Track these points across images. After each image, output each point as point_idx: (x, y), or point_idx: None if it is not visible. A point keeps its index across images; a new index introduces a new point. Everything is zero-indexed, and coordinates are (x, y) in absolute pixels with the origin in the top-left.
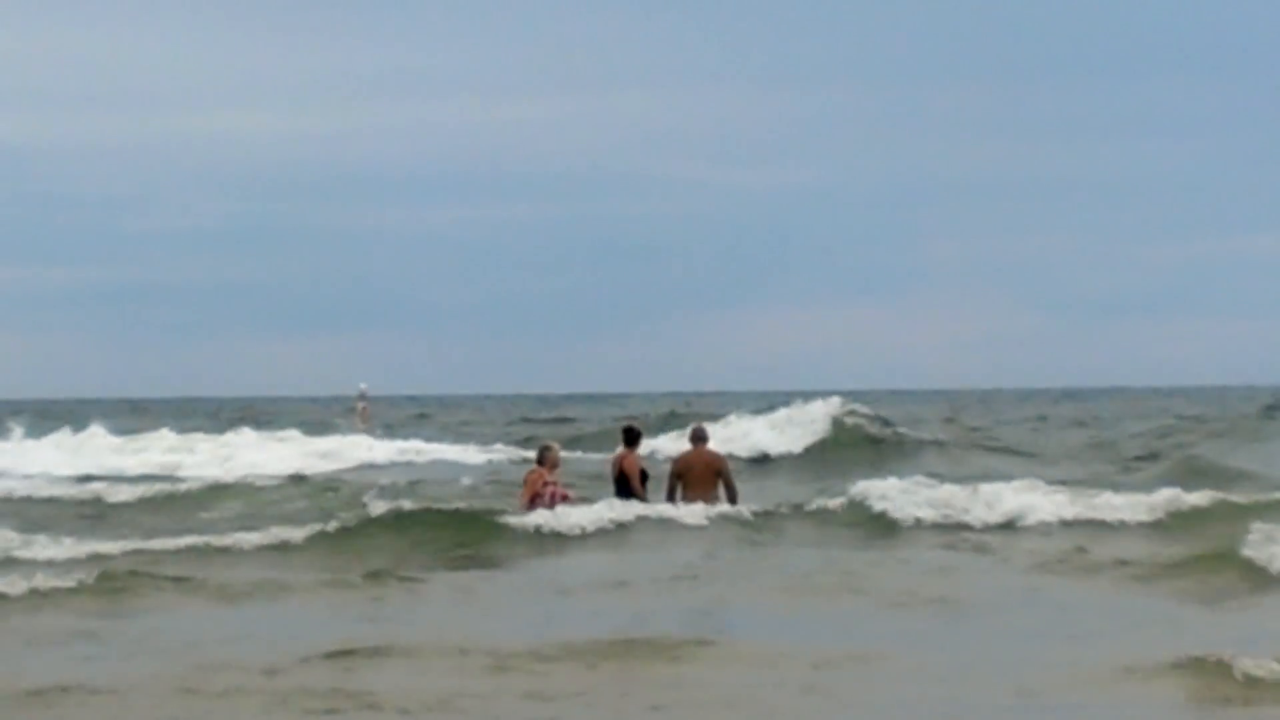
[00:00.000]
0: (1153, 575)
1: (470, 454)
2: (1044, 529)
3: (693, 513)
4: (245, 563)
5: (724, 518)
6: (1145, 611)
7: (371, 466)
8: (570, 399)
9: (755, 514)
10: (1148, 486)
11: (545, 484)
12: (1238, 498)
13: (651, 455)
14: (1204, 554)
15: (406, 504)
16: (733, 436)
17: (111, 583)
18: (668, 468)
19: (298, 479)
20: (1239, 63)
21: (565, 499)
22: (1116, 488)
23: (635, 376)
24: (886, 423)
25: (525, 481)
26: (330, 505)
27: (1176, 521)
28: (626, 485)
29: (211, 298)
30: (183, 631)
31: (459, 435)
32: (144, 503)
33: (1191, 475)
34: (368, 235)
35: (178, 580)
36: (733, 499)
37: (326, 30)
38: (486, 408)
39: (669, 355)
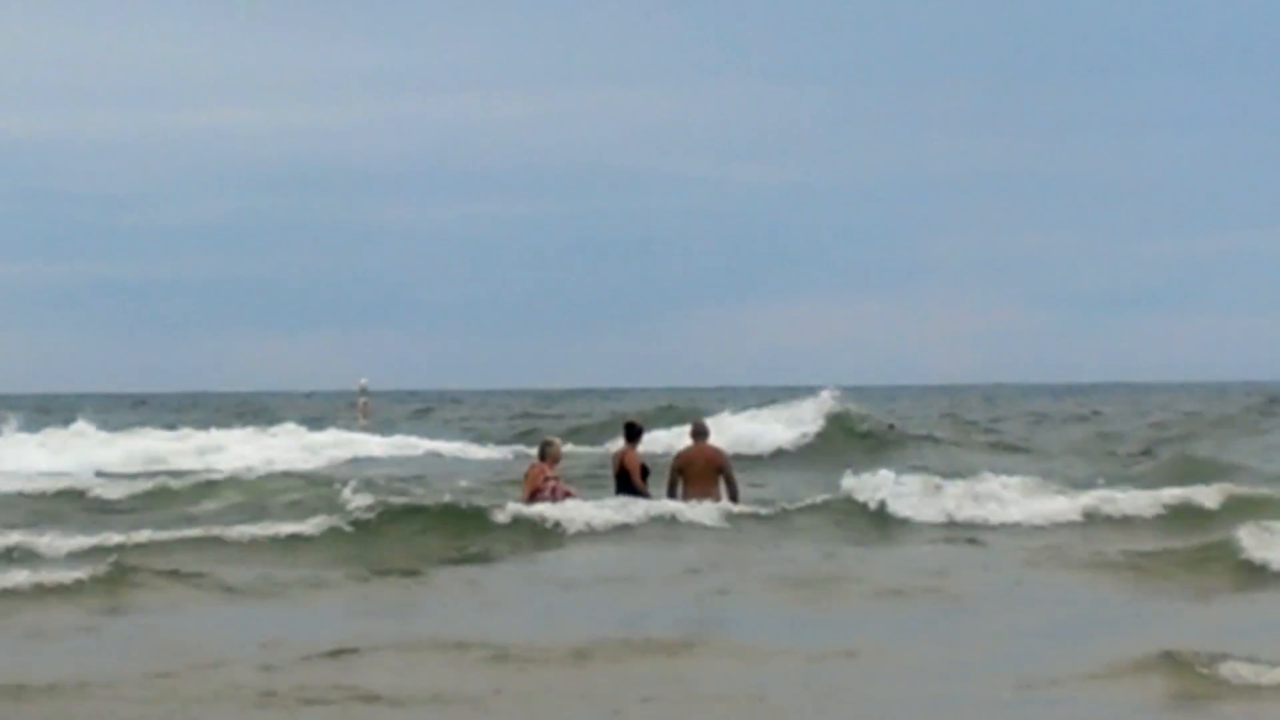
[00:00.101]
0: (1149, 570)
1: (471, 449)
2: (1040, 524)
3: (692, 509)
4: (241, 559)
5: (723, 514)
6: (1141, 607)
7: (370, 461)
8: (571, 394)
9: (750, 509)
10: (1146, 482)
11: (546, 479)
12: (1236, 493)
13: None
14: (1201, 549)
15: (400, 499)
16: (722, 430)
17: (106, 582)
18: (667, 462)
19: (289, 474)
20: (1239, 60)
21: (568, 496)
22: (1115, 483)
23: (636, 372)
24: (881, 418)
25: (526, 476)
26: (325, 501)
27: (1174, 517)
28: (627, 481)
29: (212, 293)
30: (180, 628)
31: (460, 430)
32: (133, 499)
33: (1190, 471)
34: (369, 231)
35: (175, 575)
36: (734, 495)
37: (328, 26)
38: (487, 403)
39: (670, 351)
